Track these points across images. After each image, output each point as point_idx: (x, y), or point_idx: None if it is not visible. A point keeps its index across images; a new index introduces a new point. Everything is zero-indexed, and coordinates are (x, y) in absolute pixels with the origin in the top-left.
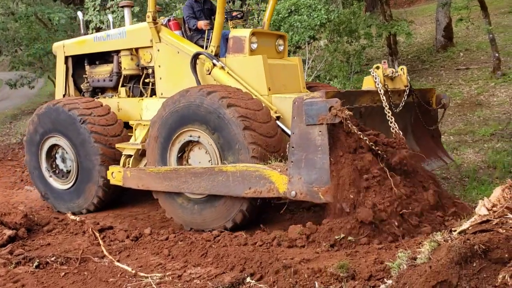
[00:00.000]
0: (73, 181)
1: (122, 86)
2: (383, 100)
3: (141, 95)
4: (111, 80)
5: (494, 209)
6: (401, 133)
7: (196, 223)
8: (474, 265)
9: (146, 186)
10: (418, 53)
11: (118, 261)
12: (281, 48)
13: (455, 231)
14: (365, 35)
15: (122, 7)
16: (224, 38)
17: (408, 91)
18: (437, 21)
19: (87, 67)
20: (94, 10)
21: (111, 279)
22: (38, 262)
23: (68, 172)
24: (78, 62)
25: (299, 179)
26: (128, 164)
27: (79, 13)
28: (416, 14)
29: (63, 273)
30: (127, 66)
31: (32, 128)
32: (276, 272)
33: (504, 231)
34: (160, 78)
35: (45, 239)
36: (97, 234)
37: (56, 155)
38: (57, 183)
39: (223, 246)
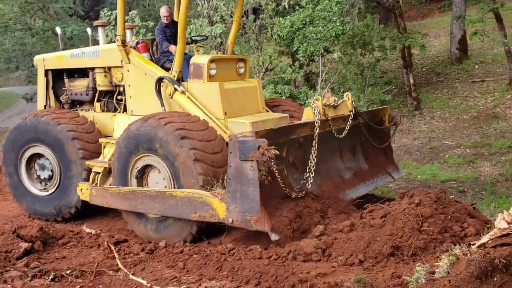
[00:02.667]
0: None
1: (98, 100)
2: (316, 130)
3: (115, 110)
4: (88, 95)
5: None
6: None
7: (154, 238)
8: (495, 279)
9: (109, 204)
10: (433, 66)
11: (133, 274)
12: (242, 70)
13: (474, 244)
14: (379, 47)
15: (96, 26)
16: (188, 62)
17: (352, 115)
18: (451, 33)
19: (66, 80)
20: (109, 25)
21: None
22: (53, 275)
23: None
24: (58, 75)
25: (235, 208)
26: (97, 180)
27: (58, 29)
28: (430, 27)
29: (78, 286)
30: (101, 82)
31: None
32: (292, 286)
33: None
34: (130, 97)
35: (60, 252)
36: (113, 247)
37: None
38: None
39: (238, 260)
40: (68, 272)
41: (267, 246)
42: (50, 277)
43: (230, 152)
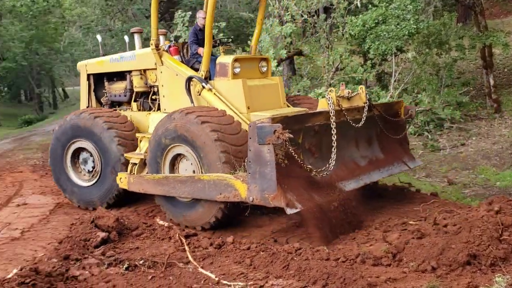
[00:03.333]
0: None
1: (135, 101)
2: (332, 120)
3: (150, 109)
4: (125, 96)
5: None
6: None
7: (183, 221)
8: None
9: (145, 190)
10: None
11: (202, 267)
12: (264, 69)
13: None
14: (457, 47)
15: (133, 33)
16: (215, 63)
17: (367, 107)
18: None
19: (106, 84)
20: (182, 25)
21: (195, 285)
22: (127, 264)
23: None
24: (99, 79)
25: (255, 187)
26: (134, 171)
27: (98, 37)
28: None
29: (150, 277)
30: (138, 84)
31: None
32: None
33: None
34: (163, 96)
35: (134, 242)
36: (184, 240)
37: None
38: None
39: (305, 260)
40: (141, 262)
41: (334, 248)
42: (125, 266)
43: (250, 138)
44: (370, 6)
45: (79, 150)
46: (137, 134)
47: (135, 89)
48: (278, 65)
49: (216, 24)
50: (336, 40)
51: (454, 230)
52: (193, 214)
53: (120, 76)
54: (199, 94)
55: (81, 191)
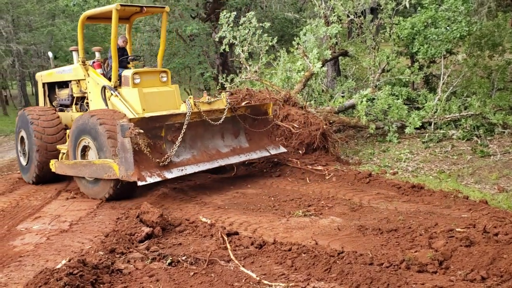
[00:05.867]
0: None
1: (75, 104)
2: (187, 119)
3: (86, 111)
4: (68, 100)
5: None
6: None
7: (92, 194)
8: None
9: (65, 172)
10: None
11: (243, 266)
12: (164, 79)
13: None
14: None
15: (71, 51)
16: None
17: (226, 109)
18: None
19: (56, 90)
20: (227, 26)
21: (236, 283)
22: (170, 260)
23: None
24: (51, 87)
25: (122, 168)
26: (63, 158)
27: (50, 53)
28: None
29: (192, 273)
30: (76, 91)
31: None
32: None
33: None
34: (91, 100)
35: (177, 238)
36: (226, 239)
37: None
38: None
39: (347, 263)
40: (183, 258)
41: (377, 253)
42: (168, 262)
43: (118, 132)
44: (419, 7)
45: (22, 137)
46: (67, 130)
47: (75, 95)
48: (322, 66)
49: (261, 24)
50: (382, 41)
51: (506, 239)
52: (96, 189)
53: (65, 84)
54: (109, 99)
55: (22, 168)
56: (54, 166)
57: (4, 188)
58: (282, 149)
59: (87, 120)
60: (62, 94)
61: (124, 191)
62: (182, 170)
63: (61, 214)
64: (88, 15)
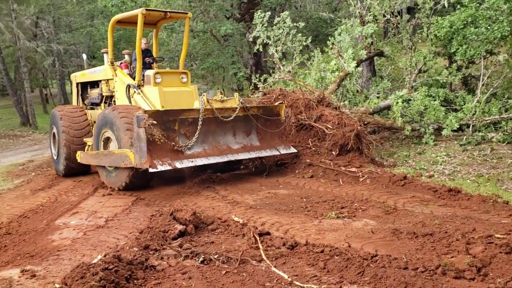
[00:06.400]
0: None
1: (104, 102)
2: (201, 114)
3: None
4: (98, 99)
5: None
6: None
7: (110, 183)
8: None
9: (89, 162)
10: None
11: (274, 267)
12: (184, 80)
13: None
14: None
15: (103, 53)
16: None
17: (240, 108)
18: None
19: (88, 90)
20: (262, 26)
21: (267, 283)
22: (203, 257)
23: None
24: (84, 87)
25: (137, 156)
26: (88, 149)
27: (84, 55)
28: None
29: (224, 271)
30: (105, 90)
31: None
32: None
33: None
34: (117, 98)
35: (209, 237)
36: (258, 238)
37: None
38: None
39: (381, 267)
40: (216, 256)
41: (412, 257)
42: (200, 259)
43: (134, 124)
44: (458, 6)
45: (54, 133)
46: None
47: (104, 94)
48: (357, 66)
49: (295, 24)
50: (420, 41)
51: None
52: (114, 178)
53: (96, 84)
54: (132, 97)
55: (54, 161)
56: (80, 156)
57: (44, 183)
58: (293, 150)
59: (109, 114)
60: (93, 93)
61: (137, 181)
62: (192, 161)
63: (97, 210)
64: (118, 19)
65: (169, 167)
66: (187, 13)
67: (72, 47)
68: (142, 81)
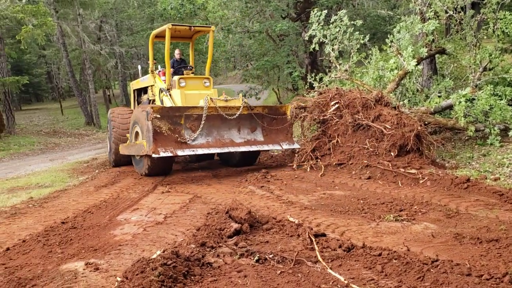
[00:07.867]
0: None
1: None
2: (204, 112)
3: None
4: (147, 102)
5: None
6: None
7: (138, 170)
8: None
9: (124, 153)
10: None
11: (330, 268)
12: (207, 84)
13: None
14: None
15: (142, 67)
16: None
17: (242, 107)
18: None
19: (142, 95)
20: (318, 25)
21: (323, 285)
22: (258, 256)
23: None
24: (139, 93)
25: (147, 145)
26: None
27: (139, 66)
28: None
29: (279, 271)
30: (150, 94)
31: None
32: None
33: None
34: (155, 101)
35: (264, 236)
36: (313, 239)
37: None
38: None
39: (442, 273)
40: (271, 256)
41: (475, 264)
42: (255, 258)
43: (144, 118)
44: None
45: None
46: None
47: (150, 98)
48: (417, 64)
49: (352, 22)
50: (485, 37)
51: None
52: (140, 165)
53: (146, 90)
54: (161, 98)
55: (108, 154)
56: (120, 148)
57: (107, 180)
58: (296, 145)
59: (136, 112)
60: (144, 98)
61: (154, 168)
62: (193, 150)
63: (156, 207)
64: (156, 34)
65: (170, 154)
66: (210, 27)
67: (133, 49)
68: (171, 85)
